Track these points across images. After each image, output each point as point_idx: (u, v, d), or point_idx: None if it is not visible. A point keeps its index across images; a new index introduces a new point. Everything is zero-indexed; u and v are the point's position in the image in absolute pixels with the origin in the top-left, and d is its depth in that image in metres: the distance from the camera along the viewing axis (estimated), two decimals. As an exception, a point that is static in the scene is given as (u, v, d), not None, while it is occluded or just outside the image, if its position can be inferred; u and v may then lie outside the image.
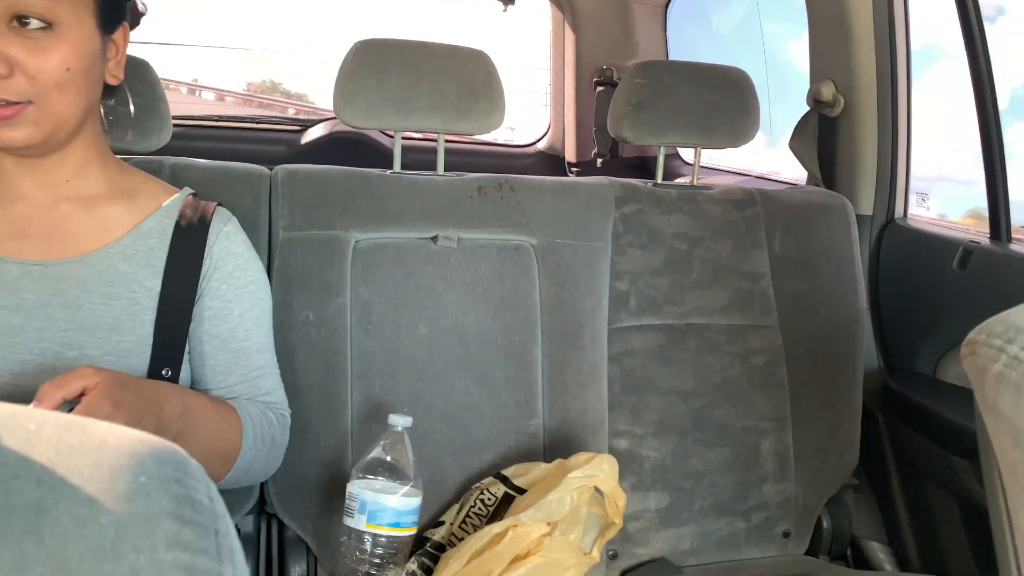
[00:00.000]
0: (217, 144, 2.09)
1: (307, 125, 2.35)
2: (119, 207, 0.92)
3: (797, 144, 1.58)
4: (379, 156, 2.24)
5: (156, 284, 0.90)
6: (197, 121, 2.13)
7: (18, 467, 0.28)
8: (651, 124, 1.34)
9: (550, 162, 2.54)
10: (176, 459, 0.31)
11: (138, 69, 1.07)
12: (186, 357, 0.93)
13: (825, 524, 1.38)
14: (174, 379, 0.90)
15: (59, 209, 0.89)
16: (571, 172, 2.47)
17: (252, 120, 2.33)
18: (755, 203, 1.39)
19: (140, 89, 1.08)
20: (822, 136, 1.58)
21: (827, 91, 1.52)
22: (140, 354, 0.87)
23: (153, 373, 0.88)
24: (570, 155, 2.48)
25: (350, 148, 2.22)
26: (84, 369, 0.72)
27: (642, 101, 1.34)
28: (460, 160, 1.29)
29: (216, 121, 2.24)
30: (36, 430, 0.30)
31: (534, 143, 2.66)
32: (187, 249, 0.92)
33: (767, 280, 1.37)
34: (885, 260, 1.51)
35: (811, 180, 1.60)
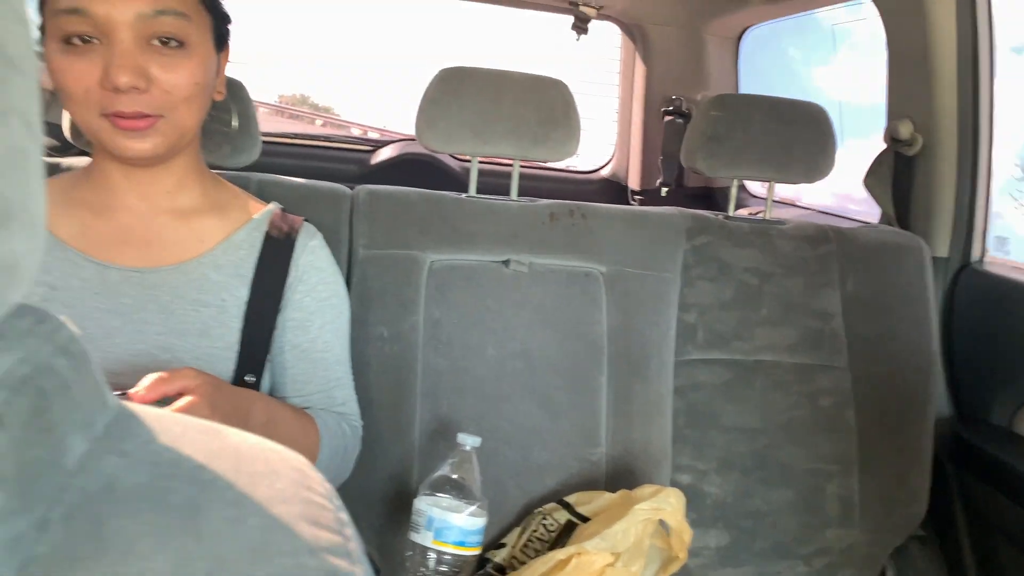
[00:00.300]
0: (292, 161, 2.15)
1: (378, 146, 2.40)
2: (212, 219, 0.96)
3: (872, 182, 1.56)
4: (446, 178, 2.28)
5: (244, 293, 0.93)
6: (274, 138, 2.20)
7: (172, 467, 0.29)
8: (726, 157, 1.34)
9: (613, 189, 2.55)
10: (302, 467, 0.33)
11: (234, 89, 1.12)
12: (267, 365, 0.96)
13: (889, 575, 1.35)
14: (256, 385, 0.93)
15: (158, 220, 0.93)
16: (634, 200, 2.48)
17: (326, 139, 2.39)
18: (828, 240, 1.37)
19: (236, 108, 1.13)
20: (898, 175, 1.55)
21: (905, 129, 1.49)
22: (227, 360, 0.91)
23: (237, 378, 0.92)
24: (634, 183, 2.49)
25: (418, 169, 2.27)
26: (187, 370, 0.75)
27: (718, 134, 1.34)
28: (523, 184, 1.31)
29: (292, 139, 2.30)
30: (181, 433, 0.32)
31: (597, 170, 2.67)
32: (274, 261, 0.96)
33: (838, 320, 1.35)
34: (960, 305, 1.47)
35: (884, 219, 1.58)
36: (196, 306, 0.90)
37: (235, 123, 1.05)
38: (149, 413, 0.32)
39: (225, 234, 0.95)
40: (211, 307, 0.91)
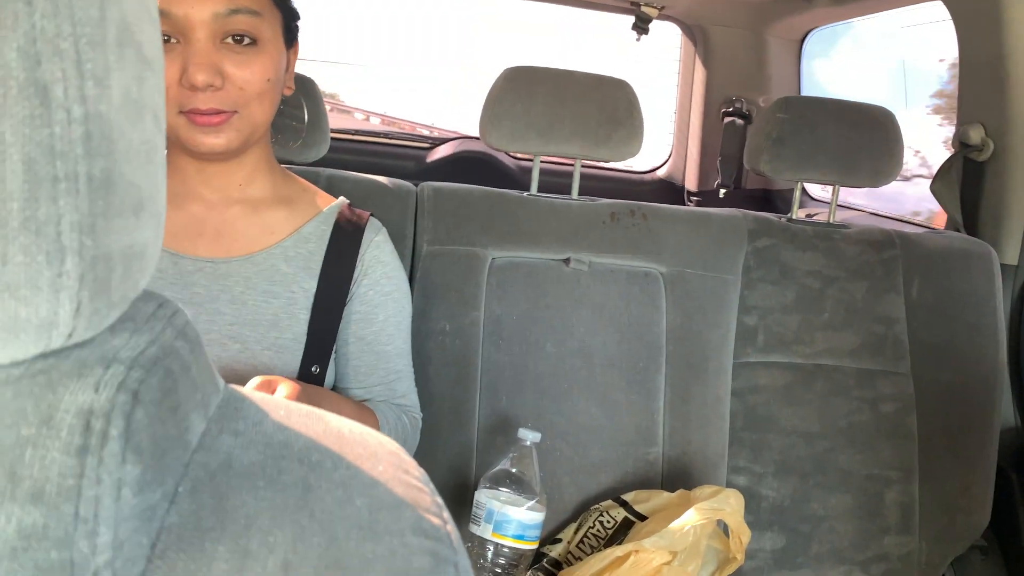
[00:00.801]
0: (351, 157, 2.19)
1: (435, 143, 2.43)
2: (282, 211, 0.98)
3: (939, 187, 1.53)
4: (503, 176, 2.30)
5: (312, 285, 0.96)
6: (337, 134, 2.24)
7: (282, 448, 0.31)
8: (790, 159, 1.33)
9: (669, 190, 2.54)
10: (398, 451, 0.34)
11: (305, 86, 1.15)
12: (332, 356, 0.99)
13: None
14: (322, 375, 0.95)
15: (229, 211, 0.96)
16: (690, 201, 2.47)
17: (386, 136, 2.43)
18: (894, 245, 1.35)
19: (306, 104, 1.16)
20: (966, 180, 1.52)
21: (976, 135, 1.46)
22: (295, 351, 0.93)
23: (304, 369, 0.94)
24: (691, 184, 2.47)
25: (475, 167, 2.29)
26: (284, 379, 0.79)
27: (783, 136, 1.33)
28: (581, 184, 1.32)
29: (353, 135, 2.35)
30: (286, 416, 0.34)
31: (653, 170, 2.66)
32: (342, 254, 0.98)
33: (902, 325, 1.33)
34: None
35: (951, 225, 1.55)
36: (267, 297, 0.93)
37: (306, 117, 1.07)
38: (255, 396, 0.34)
39: (294, 227, 0.98)
40: (281, 299, 0.93)
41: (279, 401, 0.35)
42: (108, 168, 0.24)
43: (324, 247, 0.98)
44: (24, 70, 0.22)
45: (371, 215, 1.04)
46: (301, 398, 0.78)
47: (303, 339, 0.94)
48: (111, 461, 0.25)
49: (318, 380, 0.95)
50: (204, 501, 0.28)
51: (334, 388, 1.01)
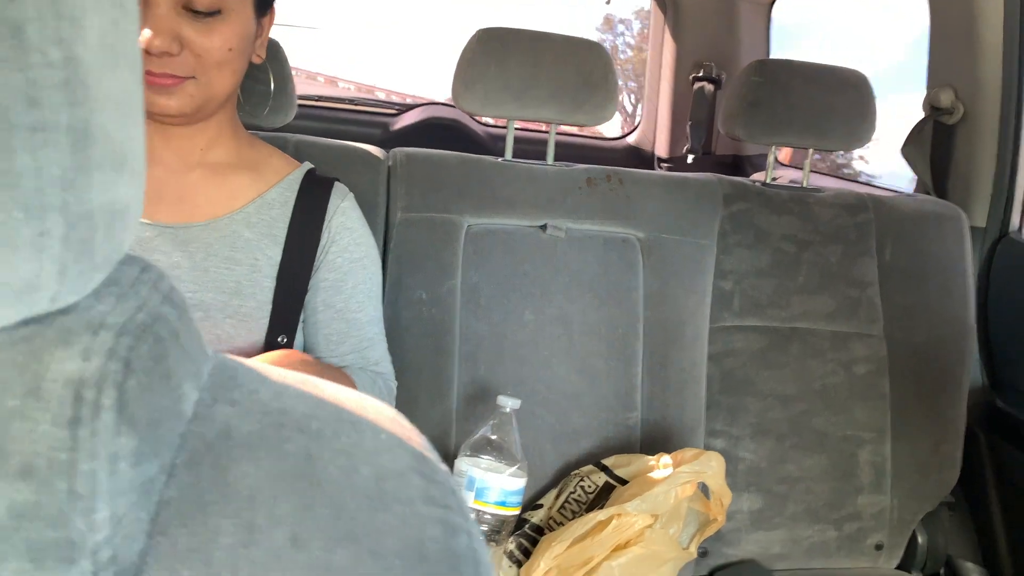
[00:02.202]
0: (316, 123, 2.14)
1: (403, 109, 2.39)
2: (245, 177, 0.96)
3: (910, 151, 1.54)
4: (471, 142, 2.27)
5: (276, 253, 0.93)
6: (302, 100, 2.19)
7: (280, 416, 0.30)
8: (765, 123, 1.33)
9: (638, 156, 2.53)
10: (398, 418, 0.33)
11: (272, 51, 1.11)
12: (300, 325, 0.97)
13: (920, 540, 1.36)
14: (288, 345, 0.93)
15: (191, 175, 0.93)
16: (660, 167, 2.46)
17: (351, 102, 2.38)
18: (867, 209, 1.36)
19: (273, 69, 1.12)
20: (936, 144, 1.53)
21: (946, 98, 1.47)
22: (259, 319, 0.91)
23: (270, 339, 0.92)
24: (661, 150, 2.47)
25: (443, 133, 2.26)
26: (275, 352, 0.79)
27: (758, 99, 1.32)
28: (545, 150, 1.30)
29: (317, 101, 2.30)
30: (282, 384, 0.32)
31: (623, 137, 2.65)
32: (307, 221, 0.96)
33: (875, 288, 1.34)
34: (996, 275, 1.46)
35: (921, 188, 1.56)
36: (229, 264, 0.90)
37: (271, 86, 1.05)
38: (247, 363, 0.33)
39: (257, 192, 0.95)
40: (243, 265, 0.91)
41: (272, 368, 0.33)
42: (86, 118, 0.22)
43: (288, 213, 0.95)
44: None
45: (336, 180, 1.01)
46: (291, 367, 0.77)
47: (268, 308, 0.92)
48: (105, 433, 0.23)
49: (286, 348, 0.93)
50: (204, 473, 0.26)
51: None
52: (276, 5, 0.95)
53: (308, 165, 1.02)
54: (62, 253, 0.22)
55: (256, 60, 0.94)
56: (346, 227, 0.99)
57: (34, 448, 0.23)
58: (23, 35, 0.20)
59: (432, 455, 0.32)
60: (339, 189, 1.00)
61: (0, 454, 0.22)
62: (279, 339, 0.93)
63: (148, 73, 0.82)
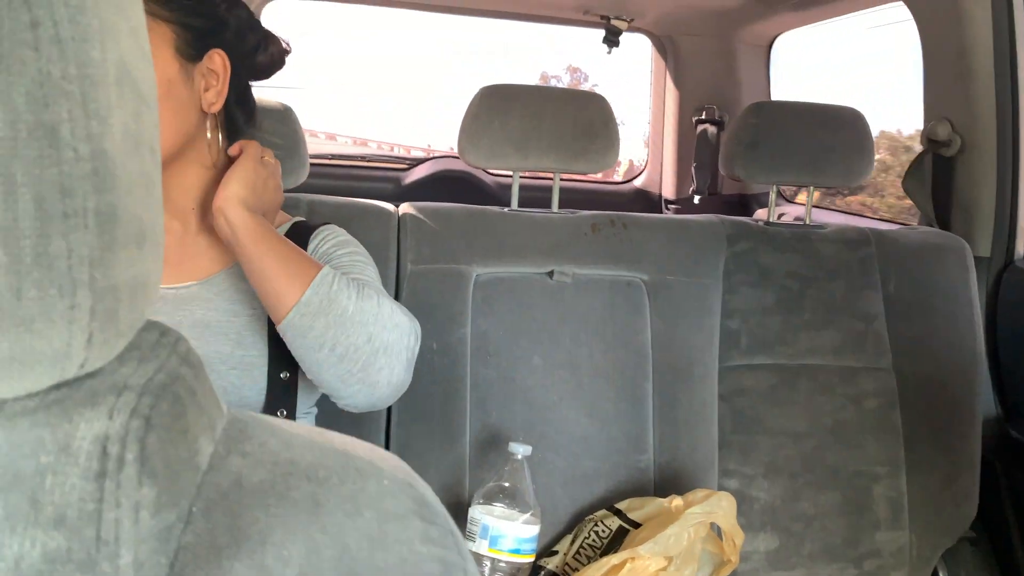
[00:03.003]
0: (327, 181, 2.20)
1: (413, 164, 2.45)
2: None
3: (910, 184, 1.56)
4: (482, 193, 2.32)
5: None
6: (314, 160, 2.25)
7: (289, 466, 0.32)
8: (764, 163, 1.36)
9: (645, 200, 2.57)
10: (403, 465, 0.35)
11: (281, 114, 1.16)
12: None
13: None
14: (293, 381, 0.93)
15: (194, 239, 0.94)
16: (667, 209, 2.49)
17: (362, 158, 2.44)
18: (869, 243, 1.38)
19: (283, 132, 1.17)
20: (936, 176, 1.55)
21: (943, 131, 1.50)
22: (261, 367, 0.91)
23: (272, 377, 0.91)
24: (668, 192, 2.50)
25: (454, 186, 2.31)
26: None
27: (756, 140, 1.35)
28: (559, 197, 1.33)
29: (330, 159, 2.36)
30: (291, 435, 0.34)
31: (630, 180, 2.69)
32: None
33: (881, 321, 1.35)
34: (1003, 304, 1.46)
35: (924, 221, 1.58)
36: (229, 316, 0.91)
37: (297, 143, 1.06)
38: (258, 418, 0.35)
39: None
40: (243, 316, 0.92)
41: (283, 422, 0.36)
42: (113, 202, 0.25)
43: None
44: (32, 113, 0.23)
45: (326, 223, 1.01)
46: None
47: (266, 352, 0.91)
48: (128, 484, 0.26)
49: (290, 385, 0.93)
50: (218, 520, 0.29)
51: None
52: (229, 54, 0.90)
53: (300, 218, 1.03)
54: (90, 324, 0.25)
55: (209, 109, 0.90)
56: (330, 239, 0.98)
57: (66, 499, 0.25)
58: (57, 135, 0.23)
59: (432, 499, 0.34)
60: (325, 226, 1.00)
61: (35, 505, 0.25)
62: (281, 376, 0.92)
63: None
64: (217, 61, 0.89)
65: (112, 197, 0.25)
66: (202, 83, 0.89)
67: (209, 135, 0.93)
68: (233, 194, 0.87)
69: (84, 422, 0.26)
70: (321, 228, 1.00)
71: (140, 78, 0.28)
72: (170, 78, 0.85)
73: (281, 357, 0.92)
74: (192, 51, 0.87)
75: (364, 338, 0.84)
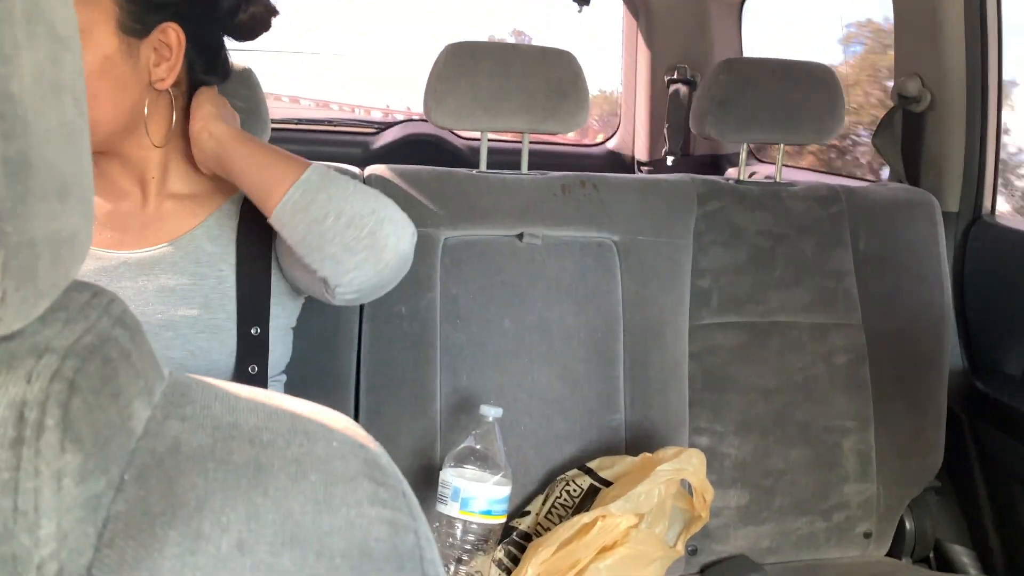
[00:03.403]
0: (295, 147, 2.15)
1: (382, 128, 2.41)
2: (205, 197, 0.95)
3: (881, 140, 1.56)
4: (452, 157, 2.29)
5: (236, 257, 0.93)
6: (278, 124, 2.20)
7: (231, 430, 0.31)
8: (735, 121, 1.35)
9: (618, 161, 2.55)
10: (354, 427, 0.34)
11: (242, 76, 1.13)
12: (280, 310, 0.94)
13: (908, 526, 1.37)
14: (264, 336, 0.92)
15: (158, 206, 0.93)
16: (640, 171, 2.48)
17: (329, 123, 2.39)
18: (839, 200, 1.38)
19: (244, 94, 1.14)
20: (906, 132, 1.55)
21: (913, 86, 1.49)
22: (229, 329, 0.91)
23: (242, 335, 0.91)
24: (641, 154, 2.49)
25: (423, 149, 2.27)
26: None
27: (727, 98, 1.34)
28: (530, 160, 1.32)
29: (295, 124, 2.31)
30: (236, 399, 0.33)
31: (602, 142, 2.67)
32: (255, 213, 0.91)
33: (851, 278, 1.36)
34: (971, 258, 1.48)
35: (894, 176, 1.58)
36: (195, 279, 0.90)
37: (258, 105, 1.05)
38: (203, 381, 0.34)
39: (216, 205, 0.95)
40: (210, 279, 0.91)
41: (229, 385, 0.34)
42: (24, 150, 0.23)
43: (238, 215, 0.94)
44: None
45: None
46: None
47: (235, 315, 0.91)
48: (49, 452, 0.25)
49: (261, 341, 0.92)
50: (152, 487, 0.28)
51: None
52: (188, 24, 0.87)
53: None
54: (2, 281, 0.24)
55: (159, 86, 0.87)
56: None
57: None
58: None
59: (385, 460, 0.33)
60: None
61: None
62: (252, 331, 0.91)
63: None
64: (171, 35, 0.86)
65: (22, 143, 0.23)
66: (151, 58, 0.86)
67: (164, 111, 0.91)
68: (208, 113, 0.89)
69: None
70: None
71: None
72: (107, 55, 0.82)
73: (252, 314, 0.91)
74: (138, 26, 0.84)
75: (368, 209, 0.85)
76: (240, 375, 0.91)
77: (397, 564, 0.29)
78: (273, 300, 0.94)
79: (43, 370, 0.26)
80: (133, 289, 0.88)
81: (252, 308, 0.92)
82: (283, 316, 0.97)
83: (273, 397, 0.34)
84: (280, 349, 0.98)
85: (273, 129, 1.21)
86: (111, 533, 0.26)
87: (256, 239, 0.94)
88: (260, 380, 0.93)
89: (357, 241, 0.84)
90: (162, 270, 0.90)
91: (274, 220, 0.86)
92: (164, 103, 0.91)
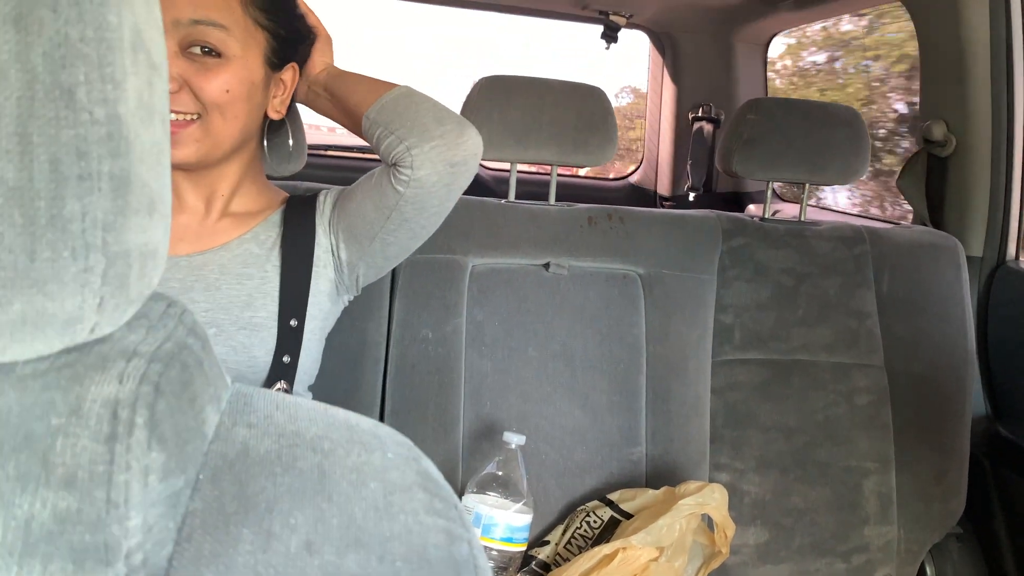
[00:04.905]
0: (324, 172, 2.19)
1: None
2: (257, 213, 1.00)
3: (905, 183, 1.57)
4: (477, 185, 2.31)
5: (280, 259, 0.97)
6: (313, 152, 2.24)
7: (295, 438, 0.33)
8: (761, 159, 1.36)
9: (640, 196, 2.57)
10: (407, 441, 0.36)
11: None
12: (317, 312, 0.98)
13: (928, 572, 1.35)
14: (300, 328, 0.95)
15: (216, 223, 0.97)
16: (662, 206, 2.50)
17: (361, 150, 2.43)
18: (863, 241, 1.39)
19: (287, 120, 1.16)
20: (930, 176, 1.56)
21: (938, 131, 1.51)
22: (269, 327, 0.94)
23: (281, 325, 0.94)
24: (663, 189, 2.51)
25: None
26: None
27: (753, 137, 1.36)
28: (548, 192, 1.34)
29: (325, 150, 2.35)
30: (296, 409, 0.35)
31: (625, 177, 2.70)
32: (299, 220, 0.99)
33: (874, 319, 1.36)
34: (995, 303, 1.48)
35: (917, 220, 1.59)
36: (240, 279, 0.94)
37: (291, 142, 1.08)
38: (263, 392, 0.36)
39: (264, 217, 1.00)
40: (254, 279, 0.95)
41: (288, 397, 0.36)
42: (126, 168, 0.25)
43: (282, 221, 0.99)
44: (50, 74, 0.23)
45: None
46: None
47: (276, 313, 0.94)
48: (138, 448, 0.26)
49: (297, 332, 0.95)
50: (225, 487, 0.29)
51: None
52: (300, 66, 0.99)
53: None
54: (101, 288, 0.25)
55: (273, 115, 0.97)
56: (332, 190, 1.04)
57: (76, 461, 0.25)
58: (74, 98, 0.24)
59: (436, 474, 0.35)
60: (325, 188, 1.05)
61: (47, 466, 0.25)
62: (291, 323, 0.95)
63: None
64: (289, 73, 0.97)
65: (125, 163, 0.25)
66: (273, 90, 0.96)
67: (262, 138, 1.01)
68: (324, 53, 1.01)
69: (95, 385, 0.26)
70: (326, 192, 1.04)
71: (153, 47, 0.28)
72: (254, 81, 0.92)
73: (291, 308, 0.95)
74: (276, 60, 0.94)
75: (454, 115, 0.95)
76: (276, 367, 0.93)
77: (454, 571, 0.30)
78: (312, 299, 0.97)
79: (133, 372, 0.27)
80: (179, 288, 0.92)
81: (292, 303, 0.95)
82: (319, 317, 0.99)
83: (328, 409, 0.36)
84: (312, 354, 1.00)
85: (309, 155, 1.24)
86: (189, 528, 0.27)
87: (299, 243, 0.98)
88: (291, 370, 0.95)
89: (446, 118, 0.93)
90: (210, 271, 0.94)
91: (375, 109, 0.93)
92: (264, 129, 1.00)
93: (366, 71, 1.01)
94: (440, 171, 0.93)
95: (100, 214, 0.25)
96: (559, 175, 1.37)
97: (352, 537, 0.29)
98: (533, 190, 1.41)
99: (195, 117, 0.88)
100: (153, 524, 0.26)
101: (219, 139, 0.91)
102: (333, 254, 0.99)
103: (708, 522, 1.10)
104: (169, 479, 0.27)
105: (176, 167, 0.92)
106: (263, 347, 0.93)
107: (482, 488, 1.04)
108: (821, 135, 1.37)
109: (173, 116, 0.87)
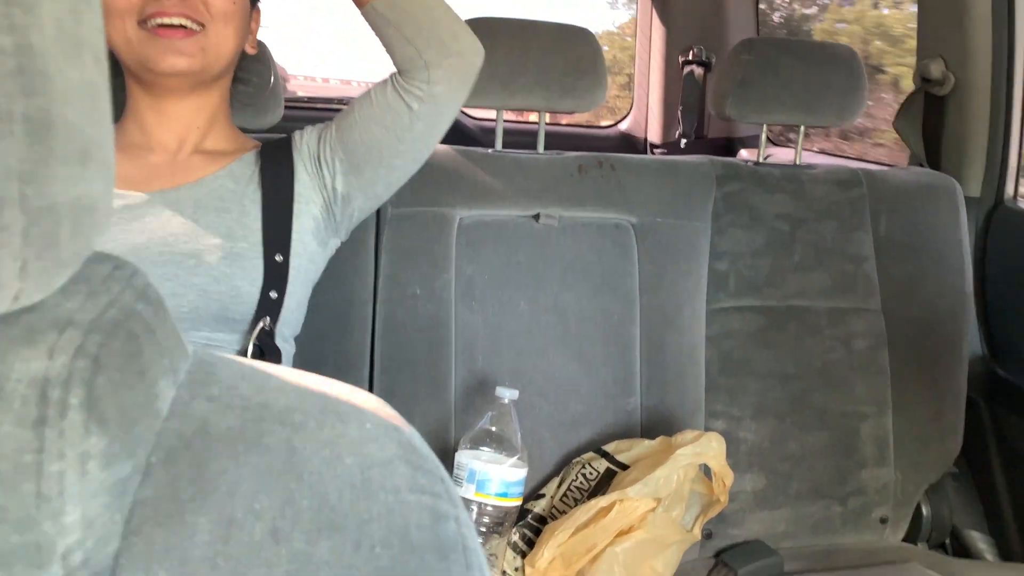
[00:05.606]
0: (308, 124, 2.14)
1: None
2: (231, 153, 1.01)
3: (902, 124, 1.54)
4: (462, 135, 2.26)
5: (259, 194, 0.96)
6: (291, 104, 2.18)
7: (261, 411, 0.29)
8: (756, 101, 1.33)
9: (630, 143, 2.52)
10: (387, 408, 0.33)
11: (256, 52, 1.11)
12: (298, 246, 0.96)
13: (924, 512, 1.36)
14: (285, 264, 0.94)
15: (188, 160, 0.97)
16: (653, 153, 2.45)
17: (340, 101, 2.37)
18: (860, 184, 1.36)
19: (258, 69, 1.12)
20: (927, 115, 1.53)
21: (936, 69, 1.47)
22: (253, 257, 0.92)
23: (267, 259, 0.93)
24: (654, 136, 2.46)
25: None
26: None
27: (748, 78, 1.32)
28: (536, 142, 1.30)
29: (306, 102, 2.29)
30: (264, 378, 0.32)
31: (615, 124, 2.64)
32: (276, 157, 0.99)
33: (871, 263, 1.34)
34: (993, 244, 1.46)
35: (914, 161, 1.56)
36: (219, 213, 0.93)
37: (271, 81, 1.07)
38: (228, 360, 0.32)
39: (238, 156, 1.00)
40: (233, 212, 0.94)
41: (255, 363, 0.33)
42: (45, 107, 0.22)
43: (258, 161, 0.99)
44: None
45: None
46: None
47: (260, 244, 0.93)
48: (73, 433, 0.23)
49: (283, 268, 0.94)
50: (181, 471, 0.26)
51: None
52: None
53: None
54: (23, 249, 0.22)
55: (250, 50, 1.00)
56: (310, 128, 1.03)
57: None
58: None
59: (420, 443, 0.32)
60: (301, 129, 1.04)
61: None
62: (276, 258, 0.94)
63: (159, 26, 0.87)
64: (256, 15, 1.02)
65: (44, 102, 0.22)
66: (252, 24, 1.00)
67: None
68: None
69: (19, 362, 0.23)
70: (301, 131, 1.03)
71: None
72: (242, 4, 0.94)
73: (275, 243, 0.94)
74: None
75: (465, 26, 0.96)
76: (264, 302, 0.92)
77: (440, 554, 0.27)
78: (296, 236, 0.96)
79: (65, 345, 0.24)
80: (157, 222, 0.91)
81: (276, 237, 0.95)
82: (304, 256, 0.97)
83: (301, 376, 0.33)
84: (297, 297, 0.98)
85: (288, 107, 1.20)
86: (139, 520, 0.24)
87: (278, 179, 0.98)
88: (277, 307, 0.93)
89: (460, 30, 0.94)
90: (186, 205, 0.93)
91: (383, 2, 0.91)
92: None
93: (347, 17, 1.00)
94: (456, 87, 0.94)
95: (15, 162, 0.21)
96: (547, 124, 1.33)
97: (325, 520, 0.26)
98: (520, 139, 1.37)
99: (200, 27, 0.89)
100: (95, 518, 0.23)
101: (218, 53, 0.92)
102: (325, 188, 0.98)
103: (705, 470, 1.09)
104: (113, 466, 0.24)
105: (175, 76, 0.91)
106: (247, 278, 0.91)
107: (476, 444, 1.03)
108: (817, 75, 1.33)
109: (183, 22, 0.88)
